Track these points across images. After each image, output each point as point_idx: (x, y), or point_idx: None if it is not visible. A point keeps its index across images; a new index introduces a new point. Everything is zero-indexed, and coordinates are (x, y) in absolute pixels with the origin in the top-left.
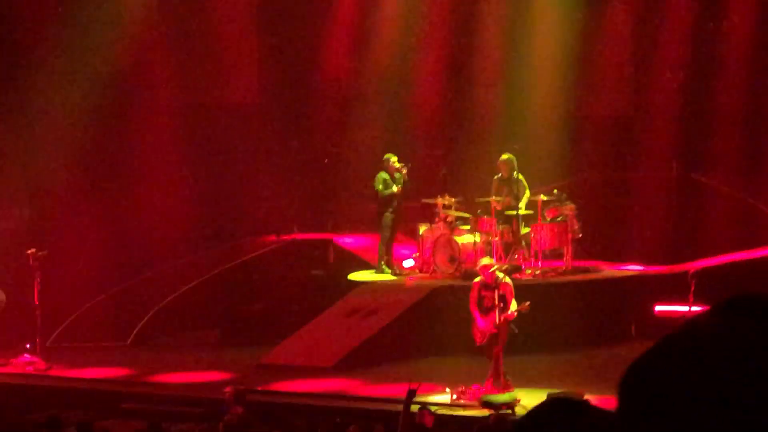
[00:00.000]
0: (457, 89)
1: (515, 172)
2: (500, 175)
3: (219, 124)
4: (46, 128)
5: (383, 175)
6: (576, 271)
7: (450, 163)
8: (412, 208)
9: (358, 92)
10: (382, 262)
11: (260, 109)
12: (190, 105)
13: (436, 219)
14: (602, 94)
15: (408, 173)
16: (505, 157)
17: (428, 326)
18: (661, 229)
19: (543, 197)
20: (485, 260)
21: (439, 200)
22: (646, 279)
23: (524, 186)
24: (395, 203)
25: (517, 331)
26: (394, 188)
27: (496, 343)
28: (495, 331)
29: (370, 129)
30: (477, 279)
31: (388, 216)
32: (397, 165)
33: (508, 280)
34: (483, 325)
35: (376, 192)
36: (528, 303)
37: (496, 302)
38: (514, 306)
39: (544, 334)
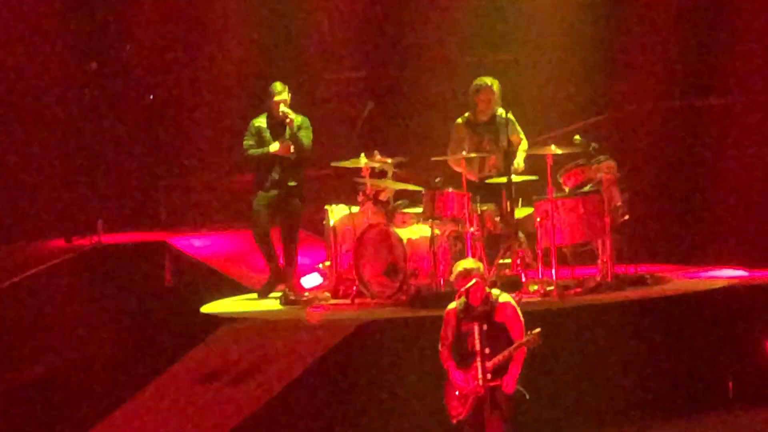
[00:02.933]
0: None
1: (500, 109)
2: (470, 113)
3: None
4: None
5: (258, 123)
6: (621, 283)
7: (380, 93)
8: (316, 179)
9: None
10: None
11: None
12: None
13: (360, 197)
14: None
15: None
16: (482, 82)
17: (353, 394)
18: None
19: (556, 149)
20: (466, 263)
21: (365, 162)
22: (752, 293)
23: (518, 132)
24: (276, 174)
25: (528, 396)
26: (273, 146)
27: (491, 418)
28: (484, 394)
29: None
30: (452, 305)
31: (262, 198)
32: (283, 107)
33: (509, 298)
34: (464, 385)
35: (243, 154)
36: (537, 331)
37: (483, 343)
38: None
39: (570, 400)
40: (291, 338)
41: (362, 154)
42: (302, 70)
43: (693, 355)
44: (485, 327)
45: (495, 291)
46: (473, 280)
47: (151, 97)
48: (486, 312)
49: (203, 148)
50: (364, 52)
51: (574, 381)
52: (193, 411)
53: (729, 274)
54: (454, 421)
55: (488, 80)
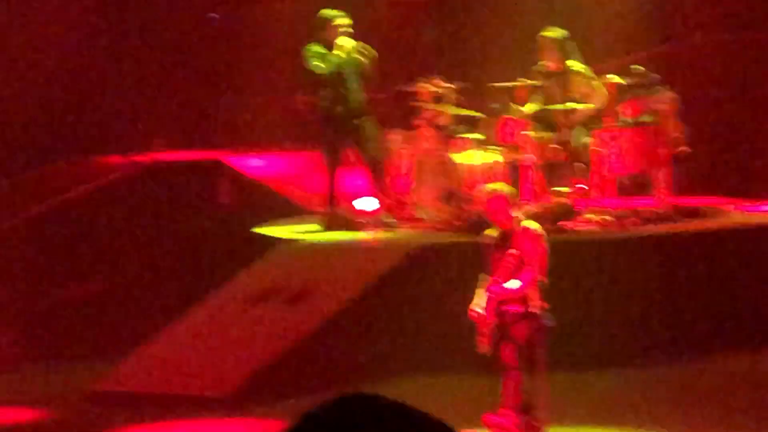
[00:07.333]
0: None
1: (569, 59)
2: (542, 64)
3: None
4: None
5: (316, 49)
6: (679, 214)
7: (441, 16)
8: (373, 103)
9: None
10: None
11: None
12: None
13: (417, 122)
14: None
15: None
16: (542, 35)
17: (405, 322)
18: None
19: (615, 79)
20: (493, 186)
21: (423, 86)
22: None
23: (591, 86)
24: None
25: (553, 323)
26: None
27: (505, 347)
28: (496, 321)
29: None
30: (490, 231)
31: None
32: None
33: (534, 225)
34: (490, 314)
35: (311, 75)
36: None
37: (497, 270)
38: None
39: (618, 334)
40: (346, 261)
41: (421, 79)
42: None
43: (747, 288)
44: (503, 254)
45: (523, 219)
46: (501, 202)
47: (214, 15)
48: (508, 238)
49: (262, 66)
50: None
51: (622, 311)
52: (245, 330)
53: None
54: (482, 349)
55: (550, 33)
